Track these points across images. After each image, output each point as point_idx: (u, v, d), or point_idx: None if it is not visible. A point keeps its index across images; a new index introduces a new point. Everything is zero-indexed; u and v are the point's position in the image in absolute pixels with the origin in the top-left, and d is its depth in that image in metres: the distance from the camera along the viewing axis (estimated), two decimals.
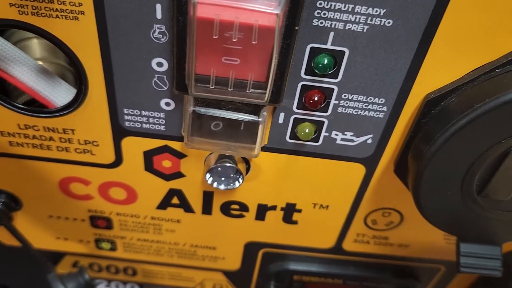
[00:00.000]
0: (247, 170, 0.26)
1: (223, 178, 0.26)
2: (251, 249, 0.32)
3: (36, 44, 0.27)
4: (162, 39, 0.20)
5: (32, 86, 0.24)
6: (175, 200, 0.29)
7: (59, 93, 0.24)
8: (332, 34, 0.19)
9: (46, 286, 0.33)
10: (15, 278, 0.37)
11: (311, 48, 0.20)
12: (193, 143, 0.24)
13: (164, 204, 0.29)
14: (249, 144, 0.23)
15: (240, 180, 0.26)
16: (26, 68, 0.23)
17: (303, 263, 0.33)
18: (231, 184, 0.26)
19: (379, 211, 0.29)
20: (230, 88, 0.20)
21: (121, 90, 0.23)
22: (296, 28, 0.18)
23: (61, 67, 0.27)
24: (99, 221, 0.31)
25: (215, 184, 0.26)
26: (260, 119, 0.22)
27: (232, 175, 0.26)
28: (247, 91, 0.20)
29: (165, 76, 0.22)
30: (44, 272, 0.31)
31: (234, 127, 0.23)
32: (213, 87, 0.20)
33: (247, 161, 0.26)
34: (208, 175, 0.26)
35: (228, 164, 0.25)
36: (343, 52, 0.20)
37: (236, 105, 0.22)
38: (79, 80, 0.22)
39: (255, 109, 0.22)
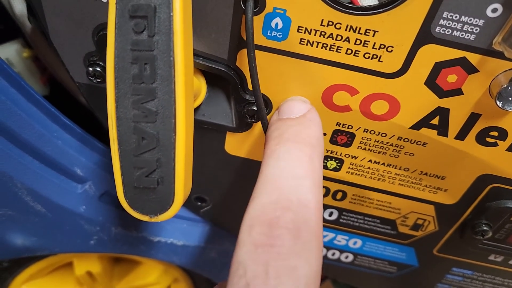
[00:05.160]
0: None
1: (510, 99, 0.26)
2: (481, 182, 0.32)
3: None
4: None
5: None
6: (434, 121, 0.29)
7: None
8: None
9: None
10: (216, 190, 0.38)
11: None
12: None
13: (421, 123, 0.29)
14: None
15: None
16: None
17: None
18: None
19: None
20: None
21: None
22: None
23: None
24: (340, 137, 0.31)
25: (500, 104, 0.26)
26: None
27: None
28: None
29: None
30: None
31: None
32: None
33: None
34: (497, 95, 0.26)
35: None
36: None
37: None
38: None
39: None
